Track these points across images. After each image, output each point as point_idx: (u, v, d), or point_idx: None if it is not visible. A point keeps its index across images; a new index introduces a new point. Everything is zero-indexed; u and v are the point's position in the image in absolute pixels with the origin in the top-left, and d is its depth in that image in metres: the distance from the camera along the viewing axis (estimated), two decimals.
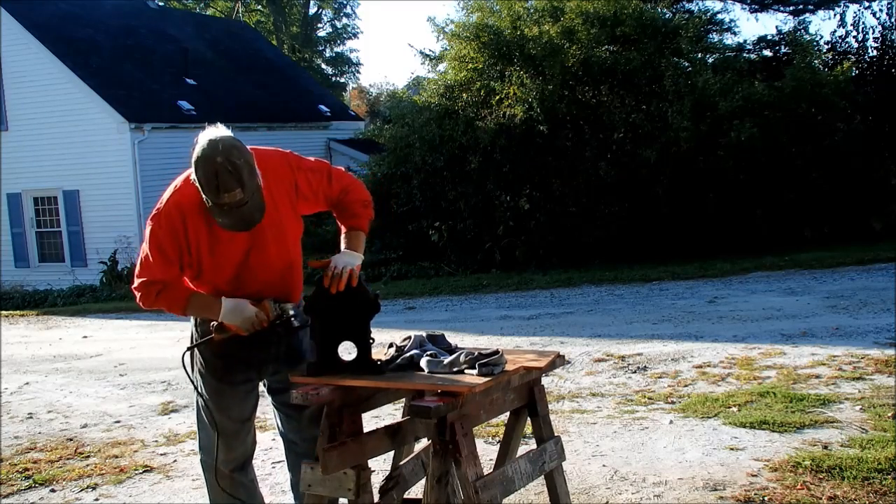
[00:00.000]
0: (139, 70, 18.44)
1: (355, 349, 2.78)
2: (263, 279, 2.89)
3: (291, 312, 2.85)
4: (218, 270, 2.85)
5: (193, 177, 2.67)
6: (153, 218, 2.80)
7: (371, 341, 2.76)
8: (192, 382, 3.05)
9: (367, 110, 34.98)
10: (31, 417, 6.14)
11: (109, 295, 14.94)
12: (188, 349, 3.00)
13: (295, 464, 3.14)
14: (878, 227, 13.54)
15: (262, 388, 3.16)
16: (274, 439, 4.88)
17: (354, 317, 2.76)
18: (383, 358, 2.84)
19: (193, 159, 2.63)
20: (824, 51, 15.97)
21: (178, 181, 2.84)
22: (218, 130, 2.68)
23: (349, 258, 2.83)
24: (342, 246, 2.95)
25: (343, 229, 3.04)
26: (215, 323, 2.84)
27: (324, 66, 41.11)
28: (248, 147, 2.76)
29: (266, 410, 3.26)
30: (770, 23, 26.39)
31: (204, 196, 2.66)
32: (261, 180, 2.71)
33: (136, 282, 2.85)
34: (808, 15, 17.96)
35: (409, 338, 2.93)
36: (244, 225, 2.69)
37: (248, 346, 2.91)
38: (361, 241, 2.98)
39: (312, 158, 3.06)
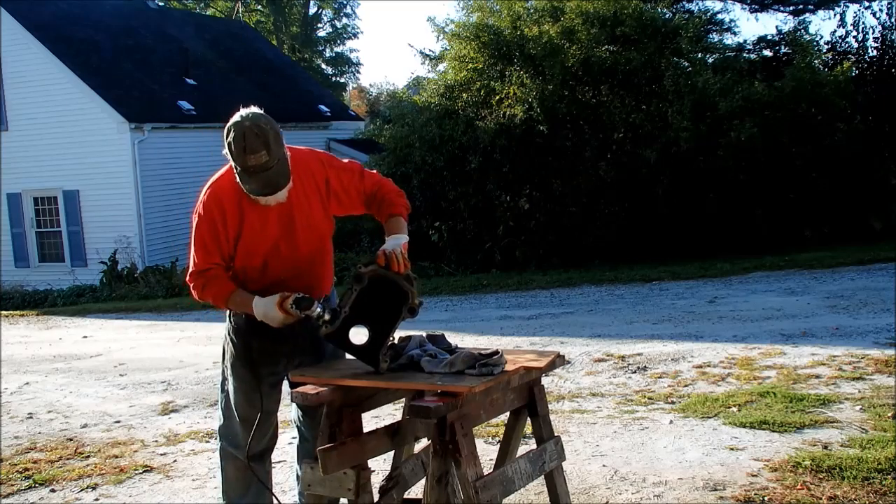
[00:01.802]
0: (139, 70, 18.44)
1: (371, 338, 2.77)
2: (293, 266, 3.00)
3: (318, 311, 2.82)
4: (248, 257, 2.97)
5: (225, 150, 2.80)
6: (195, 213, 2.97)
7: (390, 340, 2.77)
8: (226, 366, 3.15)
9: (367, 110, 35.00)
10: (31, 417, 6.14)
11: (109, 295, 14.94)
12: (225, 352, 3.15)
13: (304, 458, 3.20)
14: (878, 227, 13.54)
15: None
16: None
17: (389, 311, 2.78)
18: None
19: (226, 128, 2.79)
20: (824, 51, 15.96)
21: (216, 174, 3.00)
22: (250, 108, 2.85)
23: (394, 241, 2.90)
24: (386, 236, 3.01)
25: (383, 221, 3.11)
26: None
27: (324, 66, 41.11)
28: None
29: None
30: (770, 23, 26.45)
31: (234, 165, 2.80)
32: (287, 152, 2.84)
33: (187, 276, 3.04)
34: (808, 15, 17.98)
35: (409, 338, 2.93)
36: (269, 189, 2.79)
37: (274, 339, 3.00)
38: (402, 225, 3.05)
39: (346, 160, 3.19)
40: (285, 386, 3.21)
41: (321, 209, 3.03)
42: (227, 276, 3.01)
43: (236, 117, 2.79)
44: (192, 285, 3.01)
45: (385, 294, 2.79)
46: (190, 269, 3.00)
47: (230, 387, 3.16)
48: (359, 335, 2.83)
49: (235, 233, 2.93)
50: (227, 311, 3.14)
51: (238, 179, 2.81)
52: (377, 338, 2.76)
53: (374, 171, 3.21)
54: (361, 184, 3.09)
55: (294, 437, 3.43)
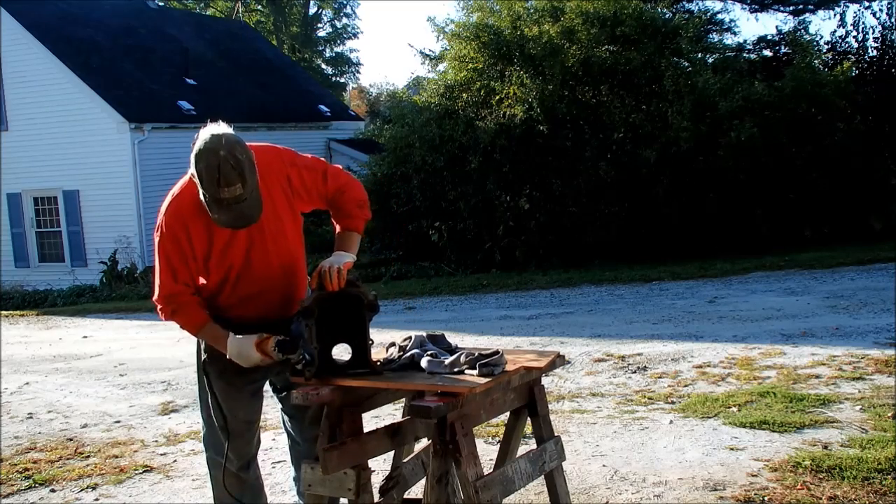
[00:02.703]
0: (139, 70, 18.44)
1: (353, 350, 2.77)
2: (266, 277, 2.90)
3: (300, 357, 2.78)
4: (221, 270, 2.87)
5: (193, 171, 2.64)
6: (156, 231, 2.84)
7: (370, 343, 2.75)
8: (204, 378, 3.05)
9: (367, 110, 34.95)
10: (31, 417, 6.14)
11: (109, 295, 14.94)
12: (201, 365, 3.04)
13: (297, 462, 3.18)
14: (878, 227, 13.54)
15: (267, 387, 3.19)
16: (274, 439, 4.89)
17: (353, 319, 2.74)
18: (383, 357, 2.84)
19: (195, 152, 2.61)
20: (824, 51, 15.97)
21: (175, 189, 2.85)
22: (219, 127, 2.67)
23: (336, 258, 2.83)
24: (335, 248, 2.95)
25: (338, 230, 3.04)
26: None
27: (324, 66, 41.10)
28: None
29: (267, 410, 3.28)
30: (770, 23, 26.48)
31: (202, 191, 2.63)
32: (258, 178, 2.70)
33: (155, 297, 2.93)
34: (808, 15, 17.98)
35: (410, 338, 2.93)
36: (242, 222, 2.67)
37: None
38: (354, 242, 2.97)
39: (309, 156, 3.03)
40: (268, 390, 3.19)
41: (290, 212, 2.92)
42: (197, 301, 2.89)
43: (208, 141, 2.59)
44: (159, 308, 2.91)
45: (341, 304, 2.73)
46: (157, 292, 2.88)
47: (208, 400, 3.05)
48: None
49: (204, 250, 2.80)
50: None
51: (206, 207, 2.65)
52: (359, 347, 2.74)
53: (340, 168, 3.05)
54: (324, 186, 2.95)
55: None
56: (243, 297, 2.90)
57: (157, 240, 2.84)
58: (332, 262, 2.76)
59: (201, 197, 2.65)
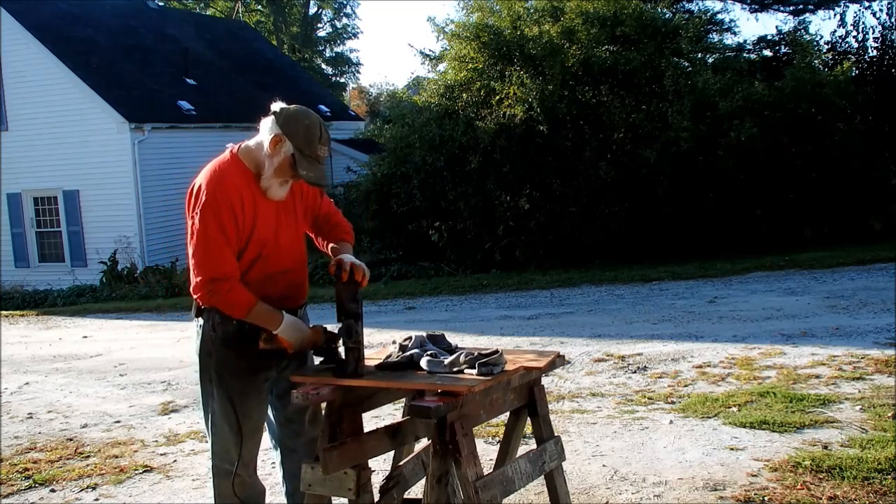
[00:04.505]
0: (139, 70, 18.44)
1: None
2: (290, 258, 2.99)
3: (337, 344, 2.86)
4: (256, 245, 2.88)
5: (281, 131, 2.76)
6: (206, 204, 2.74)
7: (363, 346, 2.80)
8: (211, 382, 2.96)
9: (367, 110, 34.95)
10: (31, 417, 6.14)
11: (109, 295, 14.93)
12: (210, 367, 2.97)
13: (290, 475, 3.13)
14: (877, 227, 13.55)
15: None
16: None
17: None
18: (383, 357, 2.85)
19: (293, 112, 2.81)
20: (824, 51, 15.97)
21: (215, 166, 2.86)
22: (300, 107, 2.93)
23: (352, 256, 2.92)
24: (334, 253, 3.01)
25: (331, 246, 3.12)
26: (266, 334, 2.85)
27: (324, 66, 41.12)
28: None
29: None
30: (770, 23, 26.53)
31: (296, 149, 2.77)
32: None
33: (200, 278, 2.75)
34: (808, 15, 18.00)
35: (410, 338, 2.93)
36: (323, 181, 2.87)
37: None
38: (350, 251, 3.06)
39: None
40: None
41: (302, 211, 3.08)
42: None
43: (300, 108, 2.83)
44: (209, 288, 2.75)
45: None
46: (207, 270, 2.74)
47: (216, 404, 2.95)
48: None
49: (251, 222, 2.83)
50: (202, 325, 2.94)
51: (293, 164, 2.77)
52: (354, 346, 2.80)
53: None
54: (320, 200, 3.14)
55: None
56: (270, 273, 2.92)
57: (209, 210, 2.74)
58: (352, 259, 2.87)
59: (290, 153, 2.77)
